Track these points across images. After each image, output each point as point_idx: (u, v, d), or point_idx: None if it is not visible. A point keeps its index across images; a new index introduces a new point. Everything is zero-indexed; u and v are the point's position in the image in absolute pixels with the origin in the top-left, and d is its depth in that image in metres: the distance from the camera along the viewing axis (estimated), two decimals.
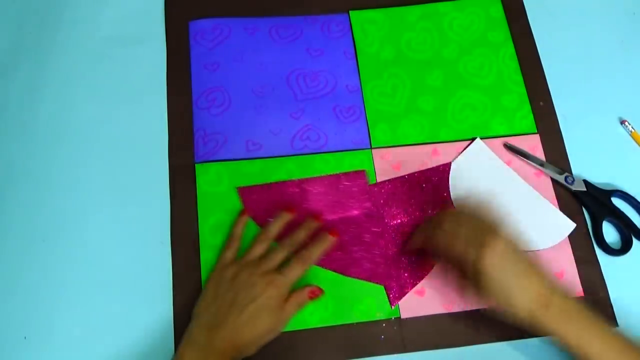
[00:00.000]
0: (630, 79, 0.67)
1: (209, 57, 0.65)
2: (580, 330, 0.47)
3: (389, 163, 0.61)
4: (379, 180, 0.60)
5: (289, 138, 0.62)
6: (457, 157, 0.62)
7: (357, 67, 0.66)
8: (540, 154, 0.62)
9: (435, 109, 0.64)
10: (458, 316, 0.55)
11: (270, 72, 0.65)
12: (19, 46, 0.65)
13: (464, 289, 0.51)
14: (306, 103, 0.63)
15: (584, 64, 0.67)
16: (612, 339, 0.47)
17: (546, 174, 0.61)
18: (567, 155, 0.62)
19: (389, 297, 0.56)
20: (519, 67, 0.66)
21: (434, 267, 0.57)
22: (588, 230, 0.59)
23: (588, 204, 0.60)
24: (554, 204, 0.60)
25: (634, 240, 0.58)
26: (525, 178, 0.61)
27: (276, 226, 0.56)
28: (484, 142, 0.62)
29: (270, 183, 0.59)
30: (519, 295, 0.48)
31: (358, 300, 0.56)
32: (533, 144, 0.63)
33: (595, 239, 0.59)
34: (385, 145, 0.62)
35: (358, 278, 0.56)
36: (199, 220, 0.58)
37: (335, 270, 0.56)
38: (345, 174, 0.60)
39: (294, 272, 0.52)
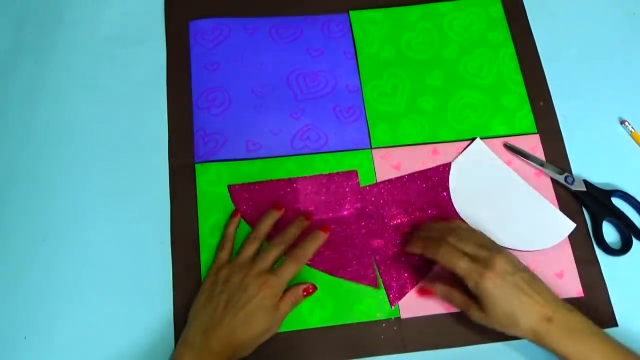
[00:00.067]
0: (630, 79, 0.67)
1: (209, 57, 0.65)
2: (582, 347, 0.48)
3: (389, 163, 0.61)
4: (379, 180, 0.60)
5: (289, 138, 0.62)
6: (457, 157, 0.62)
7: (357, 67, 0.66)
8: (540, 154, 0.62)
9: (435, 109, 0.64)
10: (458, 316, 0.55)
11: (270, 72, 0.65)
12: (19, 46, 0.65)
13: (469, 310, 0.51)
14: (306, 103, 0.63)
15: (584, 64, 0.67)
16: (614, 356, 0.47)
17: (546, 174, 0.61)
18: (567, 155, 0.62)
19: (389, 297, 0.56)
20: (519, 67, 0.66)
21: (434, 269, 0.57)
22: (588, 230, 0.59)
23: (588, 204, 0.60)
24: (554, 204, 0.60)
25: (634, 240, 0.58)
26: (525, 178, 0.61)
27: (266, 225, 0.56)
28: (484, 142, 0.62)
29: (262, 181, 0.59)
30: (522, 315, 0.49)
31: (358, 300, 0.56)
32: (533, 144, 0.63)
33: (595, 239, 0.59)
34: (385, 145, 0.62)
35: (346, 279, 0.56)
36: (199, 220, 0.58)
37: (324, 271, 0.56)
38: (337, 174, 0.60)
39: (287, 272, 0.52)
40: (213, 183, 0.59)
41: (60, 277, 0.56)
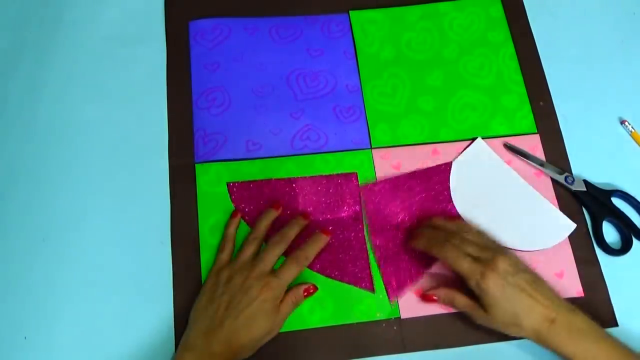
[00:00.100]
0: (630, 79, 0.67)
1: (209, 57, 0.65)
2: (585, 348, 0.48)
3: (389, 163, 0.61)
4: (379, 180, 0.60)
5: (289, 138, 0.62)
6: (457, 156, 0.62)
7: (357, 67, 0.66)
8: (540, 154, 0.62)
9: (435, 109, 0.64)
10: (458, 316, 0.55)
11: (270, 72, 0.65)
12: (19, 46, 0.65)
13: (472, 312, 0.52)
14: (306, 103, 0.63)
15: (584, 64, 0.67)
16: (617, 356, 0.48)
17: (546, 174, 0.61)
18: (567, 155, 0.62)
19: (387, 294, 0.56)
20: (519, 67, 0.66)
21: (434, 268, 0.57)
22: (588, 230, 0.59)
23: (588, 204, 0.60)
24: (554, 204, 0.60)
25: (634, 240, 0.58)
26: (525, 178, 0.61)
27: (264, 224, 0.56)
28: (484, 141, 0.62)
29: (261, 180, 0.59)
30: (524, 316, 0.49)
31: (358, 300, 0.56)
32: (533, 144, 0.63)
33: (595, 239, 0.59)
34: (385, 145, 0.62)
35: (341, 281, 0.56)
36: (199, 220, 0.58)
37: (318, 272, 0.56)
38: (337, 175, 0.60)
39: (289, 273, 0.52)
40: (213, 183, 0.59)
41: (60, 277, 0.56)
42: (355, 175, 0.60)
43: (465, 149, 0.62)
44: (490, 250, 0.51)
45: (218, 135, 0.61)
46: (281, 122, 0.62)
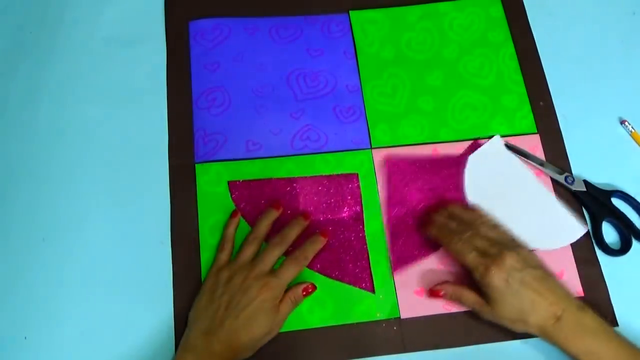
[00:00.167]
0: (630, 79, 0.67)
1: (209, 57, 0.65)
2: (591, 346, 0.48)
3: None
4: (379, 180, 0.60)
5: (289, 138, 0.62)
6: (474, 151, 0.61)
7: (357, 67, 0.66)
8: (540, 154, 0.62)
9: (435, 109, 0.64)
10: (458, 316, 0.55)
11: (270, 72, 0.65)
12: (19, 46, 0.65)
13: (479, 307, 0.52)
14: (306, 103, 0.63)
15: (584, 64, 0.67)
16: (625, 357, 0.48)
17: (546, 174, 0.61)
18: (567, 155, 0.62)
19: (391, 265, 0.56)
20: (519, 67, 0.66)
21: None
22: (588, 230, 0.59)
23: (588, 204, 0.60)
24: None
25: (634, 241, 0.58)
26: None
27: (264, 225, 0.56)
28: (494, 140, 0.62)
29: (262, 179, 0.59)
30: (530, 312, 0.49)
31: (358, 300, 0.56)
32: (533, 144, 0.62)
33: (594, 239, 0.59)
34: (385, 145, 0.62)
35: (341, 281, 0.56)
36: (199, 220, 0.58)
37: (319, 272, 0.56)
38: (338, 175, 0.60)
39: (288, 273, 0.52)
40: (213, 183, 0.59)
41: (60, 277, 0.56)
42: (356, 175, 0.60)
43: (480, 146, 0.62)
44: (500, 245, 0.51)
45: (218, 135, 0.61)
46: (281, 122, 0.62)
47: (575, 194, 0.60)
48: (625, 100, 0.65)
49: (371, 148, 0.62)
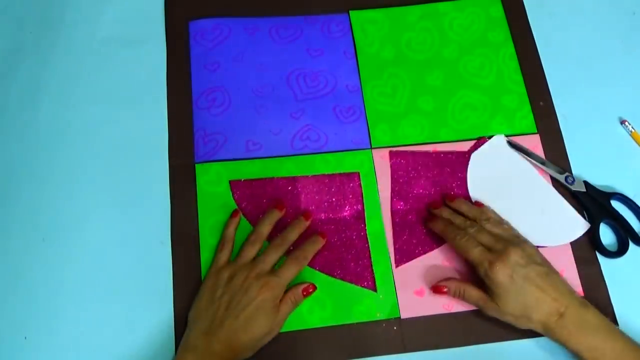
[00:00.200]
0: (630, 79, 0.67)
1: (209, 57, 0.65)
2: (593, 342, 0.48)
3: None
4: (379, 180, 0.60)
5: (289, 138, 0.62)
6: (477, 149, 0.62)
7: (357, 67, 0.66)
8: (540, 153, 0.62)
9: (435, 109, 0.64)
10: (458, 316, 0.55)
11: (270, 72, 0.65)
12: (19, 46, 0.65)
13: (484, 304, 0.52)
14: (306, 103, 0.63)
15: (584, 64, 0.67)
16: (627, 353, 0.48)
17: (547, 173, 0.61)
18: (567, 155, 0.62)
19: (394, 258, 0.57)
20: (519, 67, 0.66)
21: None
22: (588, 230, 0.59)
23: (587, 205, 0.59)
24: None
25: (630, 244, 0.58)
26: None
27: (267, 225, 0.56)
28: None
29: (264, 178, 0.59)
30: (533, 308, 0.49)
31: (358, 301, 0.56)
32: (533, 144, 0.62)
33: (591, 240, 0.59)
34: (385, 145, 0.62)
35: (343, 280, 0.56)
36: (199, 220, 0.58)
37: (321, 271, 0.56)
38: (339, 174, 0.60)
39: (288, 273, 0.52)
40: (213, 183, 0.59)
41: (60, 277, 0.56)
42: (357, 174, 0.60)
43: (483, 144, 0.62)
44: (505, 241, 0.52)
45: (218, 135, 0.61)
46: (281, 122, 0.62)
47: (574, 194, 0.60)
48: (625, 100, 0.65)
49: (371, 148, 0.62)
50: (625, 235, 0.58)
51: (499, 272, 0.49)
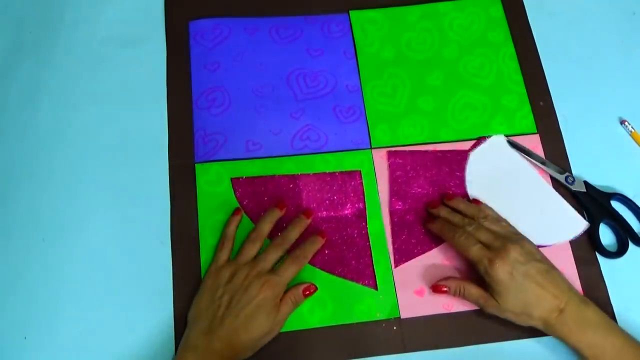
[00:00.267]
0: (630, 79, 0.67)
1: (209, 57, 0.65)
2: (593, 339, 0.48)
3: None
4: (379, 180, 0.60)
5: (289, 138, 0.62)
6: (475, 148, 0.62)
7: (357, 67, 0.66)
8: (540, 153, 0.62)
9: (435, 109, 0.64)
10: (458, 316, 0.55)
11: (270, 72, 0.65)
12: (19, 46, 0.65)
13: (484, 302, 0.52)
14: (306, 103, 0.63)
15: (584, 64, 0.67)
16: (626, 350, 0.48)
17: (547, 173, 0.61)
18: (567, 155, 0.62)
19: (393, 258, 0.56)
20: (519, 67, 0.66)
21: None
22: (590, 227, 0.59)
23: (586, 205, 0.59)
24: None
25: (630, 244, 0.58)
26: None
27: (267, 224, 0.56)
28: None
29: (265, 176, 0.59)
30: (534, 305, 0.49)
31: (358, 300, 0.56)
32: (533, 144, 0.62)
33: (591, 240, 0.59)
34: (385, 145, 0.62)
35: (345, 278, 0.56)
36: (199, 220, 0.58)
37: (322, 269, 0.56)
38: (341, 173, 0.60)
39: (288, 272, 0.52)
40: (213, 183, 0.59)
41: (60, 277, 0.56)
42: (359, 172, 0.60)
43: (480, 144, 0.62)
44: (504, 239, 0.52)
45: (218, 135, 0.61)
46: (281, 122, 0.62)
47: (574, 194, 0.60)
48: (625, 100, 0.65)
49: (371, 148, 0.62)
50: (625, 235, 0.58)
51: (499, 269, 0.49)
